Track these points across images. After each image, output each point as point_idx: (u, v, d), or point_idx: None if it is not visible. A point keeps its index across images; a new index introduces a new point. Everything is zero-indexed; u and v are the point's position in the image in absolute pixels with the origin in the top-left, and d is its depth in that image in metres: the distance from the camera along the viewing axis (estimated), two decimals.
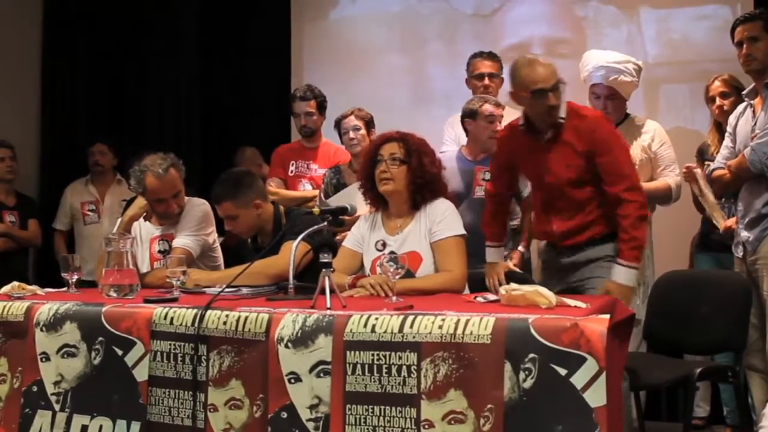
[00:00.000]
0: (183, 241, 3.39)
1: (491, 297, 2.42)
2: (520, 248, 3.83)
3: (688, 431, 2.90)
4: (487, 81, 4.10)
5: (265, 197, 3.31)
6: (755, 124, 3.20)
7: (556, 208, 3.11)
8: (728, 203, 3.66)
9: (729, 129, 3.38)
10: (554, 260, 3.19)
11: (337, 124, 4.11)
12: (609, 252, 3.01)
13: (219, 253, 3.60)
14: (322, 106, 4.34)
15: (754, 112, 3.25)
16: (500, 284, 2.93)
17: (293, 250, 2.57)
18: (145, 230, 3.55)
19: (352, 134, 4.00)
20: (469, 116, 3.78)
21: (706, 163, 3.75)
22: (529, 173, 3.27)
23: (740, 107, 3.37)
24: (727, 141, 3.38)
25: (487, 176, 3.61)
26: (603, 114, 3.00)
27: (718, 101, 3.74)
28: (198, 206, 3.53)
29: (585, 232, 3.06)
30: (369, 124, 4.04)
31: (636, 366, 2.79)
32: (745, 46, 3.25)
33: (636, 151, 3.63)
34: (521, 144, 3.11)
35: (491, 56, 4.19)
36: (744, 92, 3.37)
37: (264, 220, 3.26)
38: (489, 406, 1.93)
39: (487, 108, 3.71)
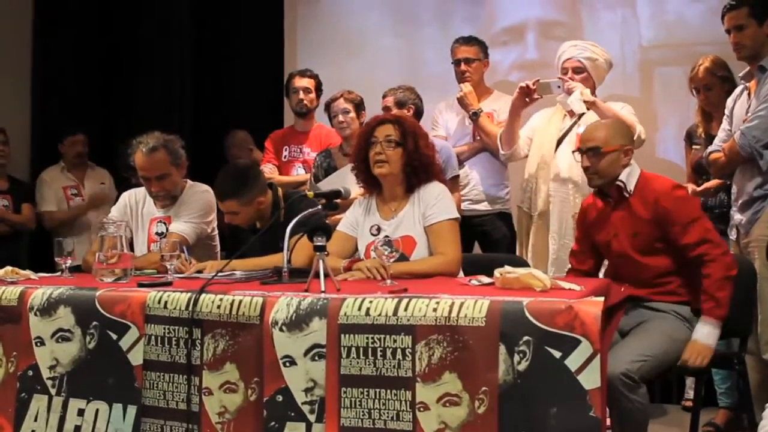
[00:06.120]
0: (180, 227, 3.34)
1: (485, 280, 2.42)
2: None
3: (697, 415, 2.89)
4: (463, 66, 4.06)
5: (266, 190, 3.23)
6: (749, 107, 3.20)
7: (627, 279, 2.77)
8: (700, 179, 3.69)
9: (726, 111, 3.37)
10: None
11: (327, 107, 4.10)
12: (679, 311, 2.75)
13: (217, 242, 3.56)
14: (318, 88, 4.36)
15: (749, 94, 3.25)
16: None
17: (286, 238, 2.55)
18: (147, 209, 3.49)
19: (341, 117, 3.99)
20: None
21: (694, 146, 3.75)
22: (600, 241, 2.91)
23: (737, 90, 3.37)
24: (724, 123, 3.37)
25: None
26: (673, 183, 2.77)
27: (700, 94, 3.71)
28: (200, 193, 3.46)
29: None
30: (359, 107, 4.03)
31: None
32: (732, 35, 3.24)
33: None
34: (596, 209, 2.89)
35: (468, 41, 4.11)
36: (740, 74, 3.36)
37: (264, 211, 3.21)
38: (484, 388, 1.93)
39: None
